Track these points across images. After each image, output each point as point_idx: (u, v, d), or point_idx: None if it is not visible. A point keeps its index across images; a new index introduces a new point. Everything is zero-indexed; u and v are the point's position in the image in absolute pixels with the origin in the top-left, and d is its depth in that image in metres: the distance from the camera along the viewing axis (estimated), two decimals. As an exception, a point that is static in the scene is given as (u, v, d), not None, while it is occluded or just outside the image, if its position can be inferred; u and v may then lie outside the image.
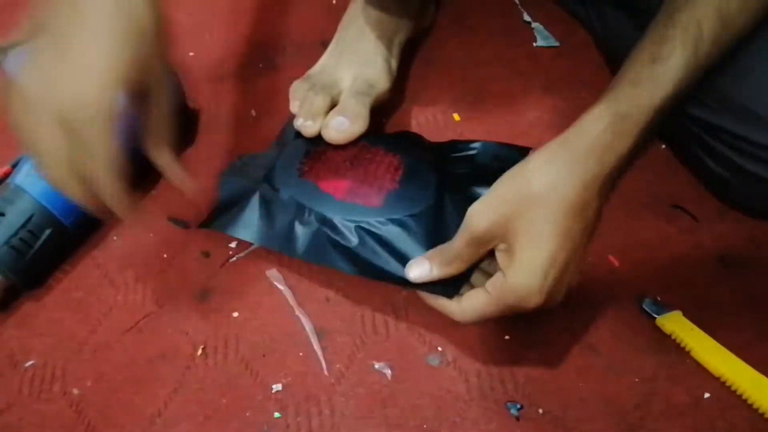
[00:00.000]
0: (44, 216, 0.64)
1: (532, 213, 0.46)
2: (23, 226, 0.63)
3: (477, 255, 0.50)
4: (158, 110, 0.49)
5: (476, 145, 0.68)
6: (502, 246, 0.49)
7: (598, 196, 0.47)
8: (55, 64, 0.43)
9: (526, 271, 0.47)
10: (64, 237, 0.66)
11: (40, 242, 0.64)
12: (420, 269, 0.52)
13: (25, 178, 0.65)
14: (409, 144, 0.69)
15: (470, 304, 0.50)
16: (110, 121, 0.44)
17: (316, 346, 0.59)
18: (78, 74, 0.43)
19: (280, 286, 0.64)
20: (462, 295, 0.52)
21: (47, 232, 0.64)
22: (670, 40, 0.47)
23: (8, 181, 0.66)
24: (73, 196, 0.47)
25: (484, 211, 0.48)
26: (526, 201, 0.46)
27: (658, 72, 0.46)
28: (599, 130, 0.46)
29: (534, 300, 0.47)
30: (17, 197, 0.64)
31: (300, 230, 0.61)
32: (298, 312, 0.62)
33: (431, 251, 0.53)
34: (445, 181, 0.62)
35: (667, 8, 0.49)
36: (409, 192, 0.61)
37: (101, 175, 0.45)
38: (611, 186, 0.48)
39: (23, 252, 0.63)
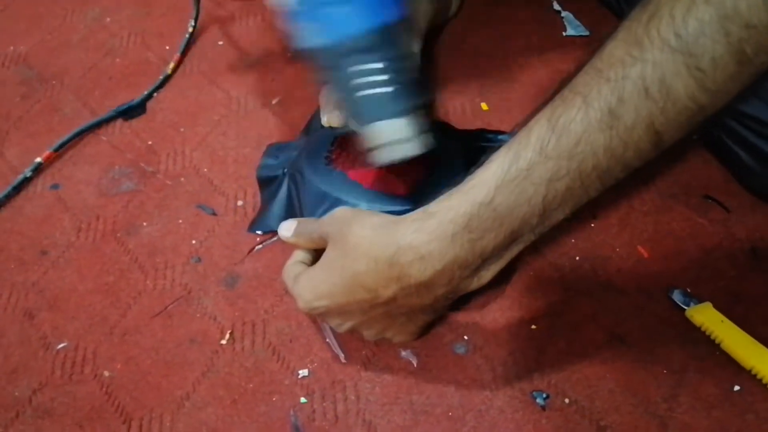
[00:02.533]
0: None
1: (340, 248, 0.50)
2: None
3: (317, 244, 0.54)
4: None
5: (504, 137, 0.68)
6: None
7: (391, 287, 0.47)
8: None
9: (305, 283, 0.52)
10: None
11: None
12: (288, 225, 0.56)
13: None
14: (437, 133, 0.68)
15: (287, 271, 0.55)
16: None
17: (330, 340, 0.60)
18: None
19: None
20: None
21: None
22: (498, 150, 0.45)
23: None
24: None
25: (333, 217, 0.52)
26: (339, 239, 0.50)
27: (474, 179, 0.45)
28: (406, 222, 0.47)
29: (302, 306, 0.53)
30: None
31: None
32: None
33: (304, 218, 0.58)
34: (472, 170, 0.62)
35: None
36: (436, 181, 0.61)
37: None
38: (410, 288, 0.47)
39: None
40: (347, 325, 0.54)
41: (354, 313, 0.52)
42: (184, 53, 0.86)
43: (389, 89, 0.47)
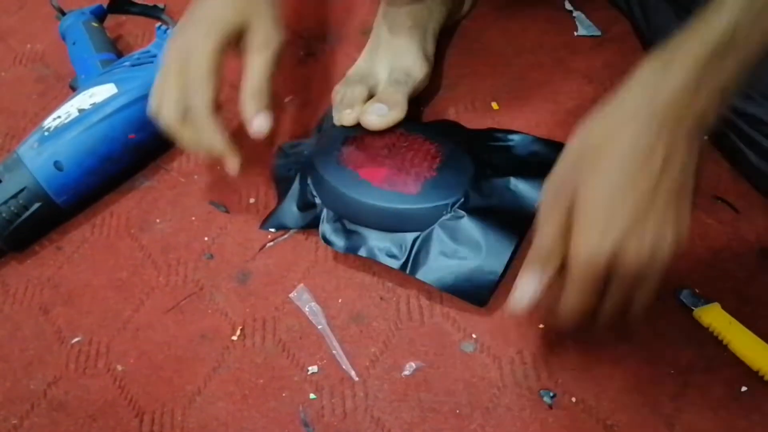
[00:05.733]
0: (35, 190, 0.67)
1: (591, 166, 0.44)
2: (14, 196, 0.66)
3: (562, 225, 0.46)
4: (259, 61, 0.60)
5: (514, 137, 0.68)
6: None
7: (662, 137, 0.43)
8: (186, 22, 0.61)
9: (584, 227, 0.44)
10: (53, 212, 0.69)
11: (27, 213, 0.67)
12: (531, 282, 0.48)
13: (27, 150, 0.69)
14: (447, 132, 0.69)
15: (563, 299, 0.47)
16: (213, 62, 0.58)
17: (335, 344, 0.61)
18: (195, 25, 0.60)
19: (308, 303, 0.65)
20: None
21: (36, 205, 0.67)
22: None
23: (15, 149, 0.70)
24: (180, 139, 0.61)
25: (553, 175, 0.47)
26: (584, 158, 0.45)
27: (710, 16, 0.42)
28: (644, 75, 0.45)
29: (600, 259, 0.44)
30: (16, 167, 0.68)
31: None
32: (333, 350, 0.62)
33: (525, 263, 0.48)
34: (482, 170, 0.63)
35: None
36: (446, 180, 0.62)
37: (200, 113, 0.58)
38: (692, 121, 0.44)
39: (10, 220, 0.67)
40: (644, 251, 0.44)
41: (646, 222, 0.44)
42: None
43: None
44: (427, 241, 0.61)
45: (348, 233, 0.63)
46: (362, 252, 0.62)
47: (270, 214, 0.69)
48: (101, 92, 0.71)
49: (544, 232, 0.47)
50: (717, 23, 0.42)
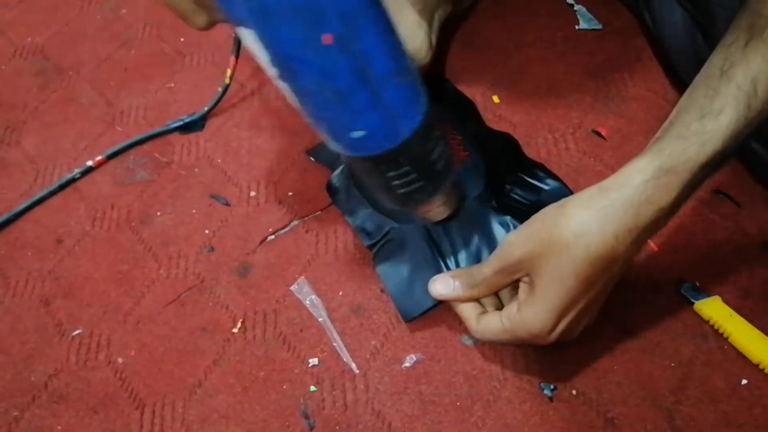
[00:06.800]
0: None
1: (560, 257, 0.46)
2: None
3: (502, 284, 0.51)
4: None
5: (551, 183, 0.65)
6: (526, 279, 0.49)
7: (629, 249, 0.46)
8: None
9: (541, 312, 0.47)
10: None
11: None
12: (444, 286, 0.53)
13: None
14: (493, 145, 0.68)
15: (486, 327, 0.51)
16: None
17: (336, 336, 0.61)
18: None
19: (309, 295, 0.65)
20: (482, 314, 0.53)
21: None
22: (722, 96, 0.44)
23: None
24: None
25: (516, 243, 0.48)
26: (556, 244, 0.46)
27: (707, 128, 0.44)
28: (640, 182, 0.45)
29: (544, 339, 0.48)
30: None
31: None
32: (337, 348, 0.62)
33: (458, 270, 0.54)
34: (489, 195, 0.62)
35: (720, 56, 0.46)
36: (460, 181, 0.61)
37: None
38: (646, 239, 0.47)
39: None
40: (580, 326, 0.50)
41: (585, 316, 0.49)
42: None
43: (421, 183, 0.49)
44: (400, 236, 0.62)
45: (349, 193, 0.65)
46: (346, 216, 0.65)
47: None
48: None
49: (491, 272, 0.50)
50: (712, 140, 0.44)
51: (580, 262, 0.45)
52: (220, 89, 0.77)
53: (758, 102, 0.44)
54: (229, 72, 0.75)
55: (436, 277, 0.54)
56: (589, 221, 0.45)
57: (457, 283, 0.53)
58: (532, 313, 0.47)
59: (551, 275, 0.46)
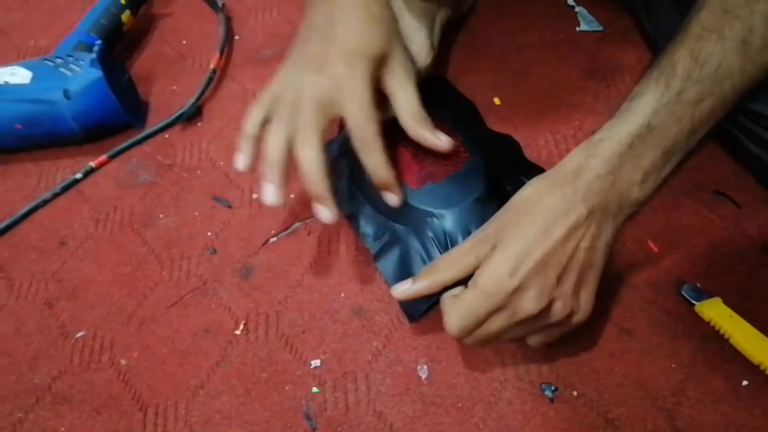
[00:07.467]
0: None
1: (518, 214, 0.51)
2: None
3: (471, 265, 0.52)
4: (410, 89, 0.58)
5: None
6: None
7: (577, 208, 0.49)
8: (325, 50, 0.55)
9: (500, 259, 0.49)
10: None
11: None
12: (425, 274, 0.54)
13: None
14: (494, 147, 0.68)
15: (460, 304, 0.51)
16: (366, 94, 0.54)
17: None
18: (341, 55, 0.55)
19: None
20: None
21: None
22: (646, 78, 0.51)
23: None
24: (276, 178, 0.57)
25: (488, 222, 0.53)
26: (517, 206, 0.52)
27: (631, 107, 0.51)
28: (575, 154, 0.52)
29: (509, 285, 0.49)
30: None
31: None
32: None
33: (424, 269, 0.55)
34: (489, 196, 0.62)
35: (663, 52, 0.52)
36: (447, 190, 0.61)
37: (306, 156, 0.56)
38: (595, 201, 0.50)
39: None
40: (544, 298, 0.49)
41: (551, 268, 0.49)
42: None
43: None
44: (402, 236, 0.62)
45: (351, 195, 0.65)
46: (349, 220, 0.65)
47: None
48: (19, 74, 0.75)
49: (464, 248, 0.52)
50: (634, 115, 0.50)
51: (533, 214, 0.50)
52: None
53: (677, 80, 0.50)
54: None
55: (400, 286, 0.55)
56: (542, 184, 0.51)
57: (437, 264, 0.54)
58: (492, 261, 0.50)
59: (509, 231, 0.50)
